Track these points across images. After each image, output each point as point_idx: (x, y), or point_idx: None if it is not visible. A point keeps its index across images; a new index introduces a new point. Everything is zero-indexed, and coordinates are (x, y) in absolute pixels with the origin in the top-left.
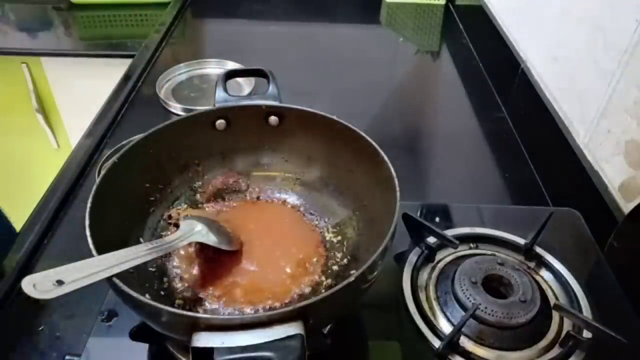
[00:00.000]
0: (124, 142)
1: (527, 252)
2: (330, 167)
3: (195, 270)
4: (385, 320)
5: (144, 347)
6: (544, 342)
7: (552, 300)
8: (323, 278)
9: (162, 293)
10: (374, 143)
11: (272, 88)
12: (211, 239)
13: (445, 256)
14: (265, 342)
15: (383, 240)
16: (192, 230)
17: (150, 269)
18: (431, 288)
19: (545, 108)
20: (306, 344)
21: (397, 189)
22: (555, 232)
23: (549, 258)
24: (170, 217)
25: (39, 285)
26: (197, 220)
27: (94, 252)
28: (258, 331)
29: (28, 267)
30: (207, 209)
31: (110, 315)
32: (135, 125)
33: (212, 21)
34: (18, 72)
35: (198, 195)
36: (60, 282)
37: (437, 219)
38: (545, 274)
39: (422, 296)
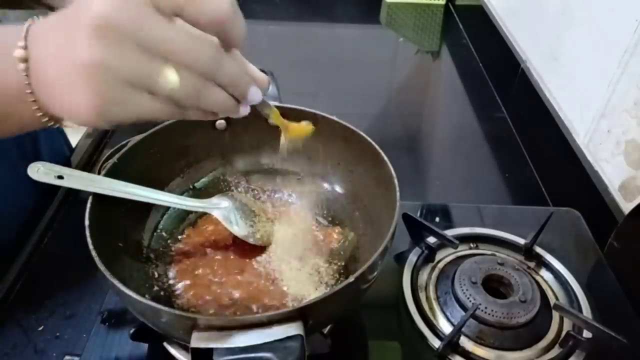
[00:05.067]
0: (124, 142)
1: (527, 252)
2: (330, 167)
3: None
4: (385, 320)
5: (144, 347)
6: (544, 342)
7: (552, 300)
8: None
9: (162, 293)
10: (374, 143)
11: (272, 88)
12: (230, 222)
13: (445, 256)
14: (265, 343)
15: (383, 240)
16: (218, 205)
17: (151, 269)
18: (431, 288)
19: (545, 108)
20: (306, 344)
21: (397, 189)
22: (555, 232)
23: (549, 258)
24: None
25: (41, 171)
26: (230, 198)
27: (93, 252)
28: (257, 332)
29: (29, 264)
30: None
31: (110, 315)
32: (135, 125)
33: None
34: None
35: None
36: (60, 177)
37: (437, 219)
38: (545, 274)
39: (422, 296)
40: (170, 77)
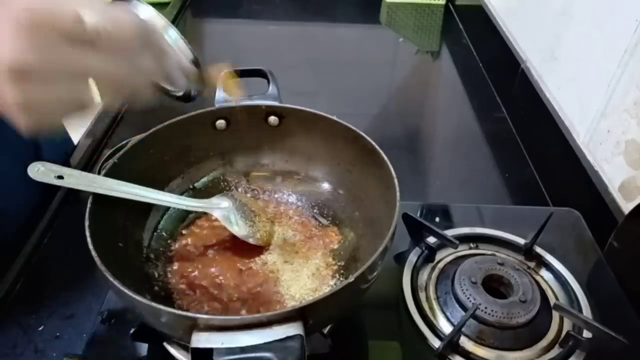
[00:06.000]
0: (124, 142)
1: (527, 252)
2: (330, 167)
3: (195, 271)
4: (385, 320)
5: (144, 347)
6: (544, 342)
7: (552, 300)
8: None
9: (162, 293)
10: (373, 143)
11: (272, 88)
12: (230, 222)
13: (445, 256)
14: (265, 343)
15: (383, 240)
16: (218, 205)
17: (151, 269)
18: (431, 288)
19: (545, 108)
20: (306, 344)
21: (397, 189)
22: (555, 232)
23: (549, 258)
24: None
25: (41, 171)
26: (230, 198)
27: (93, 252)
28: (257, 332)
29: (29, 264)
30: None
31: (110, 315)
32: (135, 125)
33: (212, 21)
34: None
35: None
36: (59, 177)
37: (437, 219)
38: (545, 274)
39: (422, 296)
40: None
